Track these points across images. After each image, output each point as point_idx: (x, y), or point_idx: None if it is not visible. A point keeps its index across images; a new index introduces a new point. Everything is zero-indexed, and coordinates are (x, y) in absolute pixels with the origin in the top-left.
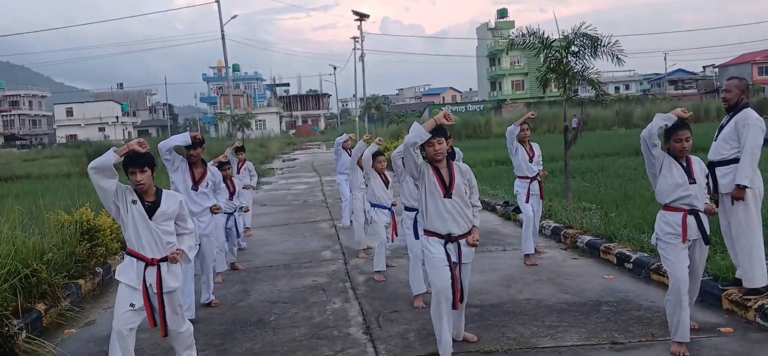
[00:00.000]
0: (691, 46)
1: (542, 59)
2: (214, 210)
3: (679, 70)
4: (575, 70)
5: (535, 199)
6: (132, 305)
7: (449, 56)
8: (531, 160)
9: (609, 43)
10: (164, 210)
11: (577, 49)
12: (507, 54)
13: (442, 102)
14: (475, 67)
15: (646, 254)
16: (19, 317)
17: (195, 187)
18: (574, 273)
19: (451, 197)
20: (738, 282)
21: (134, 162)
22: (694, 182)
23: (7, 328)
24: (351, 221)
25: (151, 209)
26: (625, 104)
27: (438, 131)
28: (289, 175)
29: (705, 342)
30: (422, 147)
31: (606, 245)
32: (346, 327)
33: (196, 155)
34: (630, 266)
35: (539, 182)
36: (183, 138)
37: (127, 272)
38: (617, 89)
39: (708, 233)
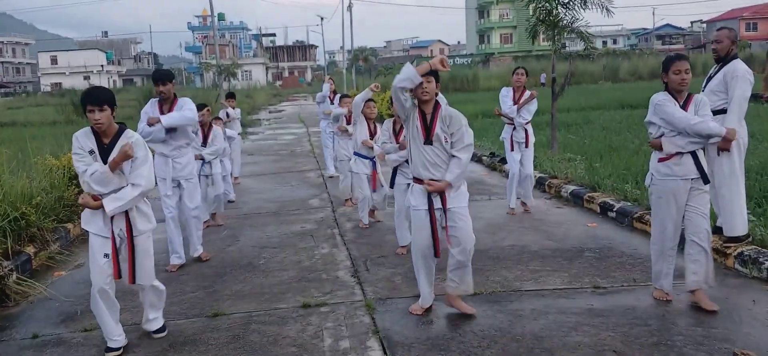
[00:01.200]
0: (679, 1)
1: (532, 10)
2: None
3: (667, 25)
4: (564, 22)
5: (520, 147)
6: (106, 255)
7: (438, 8)
8: (515, 103)
9: None
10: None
11: (567, 0)
12: (496, 4)
13: (429, 55)
14: (464, 20)
15: (629, 203)
16: (9, 259)
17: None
18: (558, 221)
19: (431, 144)
20: (719, 230)
21: (92, 99)
22: None
23: None
24: (336, 167)
25: (107, 152)
26: (612, 59)
27: (429, 72)
28: (277, 126)
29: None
30: (412, 91)
31: (590, 194)
32: (334, 270)
33: (167, 92)
34: (613, 214)
35: (525, 130)
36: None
37: (94, 221)
38: (605, 43)
39: (706, 173)
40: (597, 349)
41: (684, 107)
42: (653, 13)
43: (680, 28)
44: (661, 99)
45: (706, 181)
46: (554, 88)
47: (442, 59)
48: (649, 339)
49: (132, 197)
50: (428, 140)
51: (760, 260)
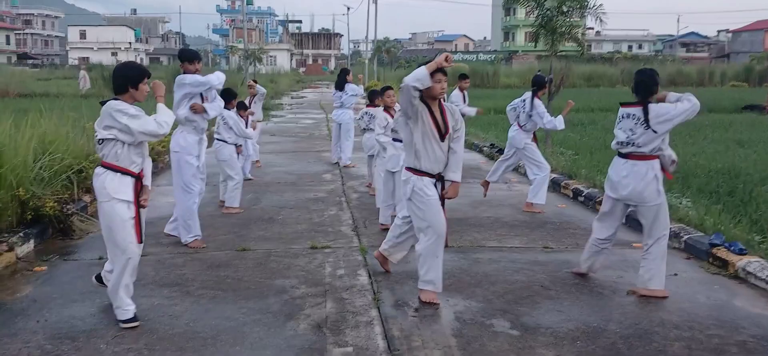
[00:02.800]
0: (707, 10)
1: (534, 16)
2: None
3: (692, 33)
4: (562, 29)
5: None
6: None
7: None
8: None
9: (594, 5)
10: None
11: (566, 9)
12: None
13: (454, 49)
14: (490, 16)
15: (596, 190)
16: (74, 203)
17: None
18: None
19: (444, 141)
20: None
21: (148, 73)
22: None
23: (67, 209)
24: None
25: None
26: (631, 63)
27: (441, 70)
28: (298, 110)
29: (617, 251)
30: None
31: (566, 181)
32: (338, 226)
33: (196, 71)
34: (582, 198)
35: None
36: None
37: (123, 190)
38: (630, 47)
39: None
40: (529, 284)
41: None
42: (678, 20)
43: (705, 37)
44: None
45: None
46: (551, 88)
47: (446, 56)
48: (572, 281)
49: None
50: (442, 137)
51: (681, 234)
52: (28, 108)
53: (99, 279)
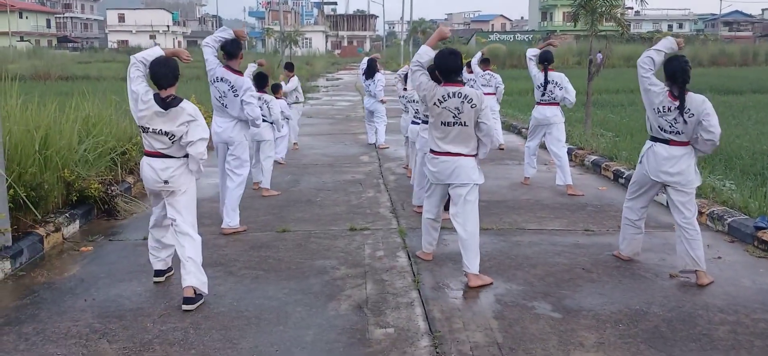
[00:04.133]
0: None
1: None
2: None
3: (736, 11)
4: (602, 9)
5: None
6: None
7: None
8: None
9: None
10: None
11: None
12: None
13: (490, 29)
14: None
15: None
16: (118, 184)
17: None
18: (574, 184)
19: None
20: None
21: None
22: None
23: (111, 191)
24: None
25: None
26: None
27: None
28: (334, 93)
29: (659, 234)
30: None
31: (607, 163)
32: (376, 208)
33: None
34: (623, 181)
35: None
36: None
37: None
38: (671, 27)
39: None
40: (570, 267)
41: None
42: None
43: (749, 15)
44: None
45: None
46: (590, 69)
47: (441, 30)
48: (614, 263)
49: None
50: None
51: (724, 217)
52: (70, 91)
53: (158, 273)
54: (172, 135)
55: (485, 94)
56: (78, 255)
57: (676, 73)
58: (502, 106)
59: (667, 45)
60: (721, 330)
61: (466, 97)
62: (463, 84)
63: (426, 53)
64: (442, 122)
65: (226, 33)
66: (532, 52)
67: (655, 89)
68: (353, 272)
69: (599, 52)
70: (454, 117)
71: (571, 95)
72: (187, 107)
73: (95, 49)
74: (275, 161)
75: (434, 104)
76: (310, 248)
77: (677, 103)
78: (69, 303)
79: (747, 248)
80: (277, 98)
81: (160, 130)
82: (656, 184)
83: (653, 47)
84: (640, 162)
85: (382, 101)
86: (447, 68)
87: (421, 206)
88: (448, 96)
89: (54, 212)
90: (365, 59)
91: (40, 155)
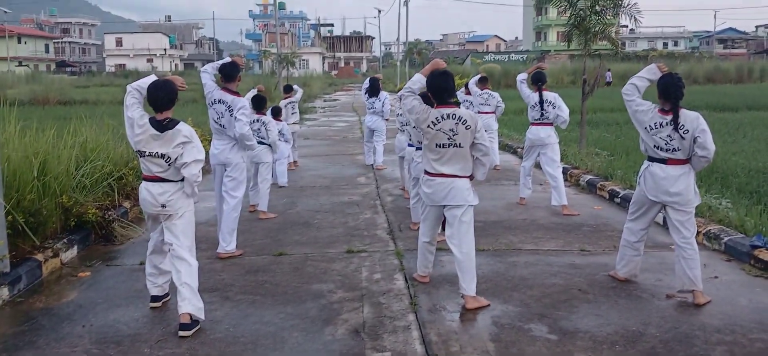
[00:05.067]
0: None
1: (567, 16)
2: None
3: (730, 28)
4: (596, 29)
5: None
6: None
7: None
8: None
9: (628, 4)
10: None
11: (600, 9)
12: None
13: (485, 50)
14: (522, 16)
15: (633, 191)
16: (115, 209)
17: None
18: (570, 204)
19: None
20: None
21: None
22: None
23: (108, 216)
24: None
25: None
26: (667, 61)
27: None
28: (331, 113)
29: (656, 254)
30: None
31: (602, 183)
32: (374, 229)
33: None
34: (618, 200)
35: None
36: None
37: None
38: (666, 44)
39: None
40: (566, 287)
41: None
42: (714, 16)
43: (743, 32)
44: None
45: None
46: (584, 88)
47: (436, 62)
48: (610, 284)
49: None
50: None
51: (721, 236)
52: (68, 115)
53: (154, 299)
54: (168, 157)
55: (484, 113)
56: (76, 281)
57: (668, 88)
58: (498, 125)
59: (649, 72)
60: (718, 350)
61: (460, 118)
62: (457, 105)
63: (418, 81)
64: (436, 144)
65: (224, 60)
66: (522, 77)
67: (643, 109)
68: (350, 295)
69: (608, 70)
70: (448, 139)
71: (564, 113)
72: (183, 129)
73: (93, 73)
74: (278, 186)
75: (428, 126)
76: (307, 271)
77: (669, 117)
78: (67, 330)
79: (743, 267)
80: (277, 120)
81: (157, 153)
82: (656, 204)
83: (636, 75)
84: (639, 183)
85: (387, 119)
86: (439, 89)
87: (417, 224)
88: (443, 118)
89: (52, 237)
90: (368, 79)
91: (39, 181)
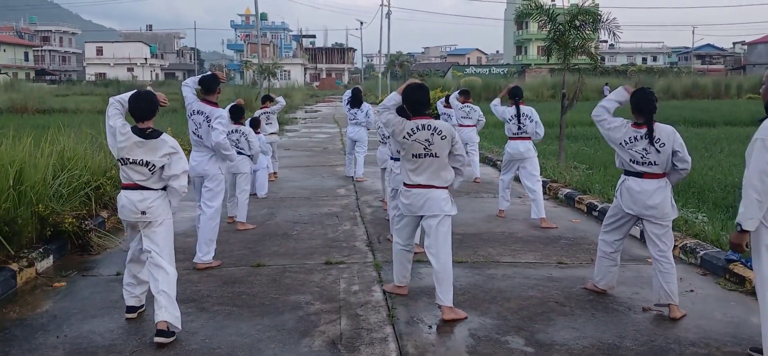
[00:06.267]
0: (722, 22)
1: (547, 31)
2: None
3: (708, 45)
4: (575, 44)
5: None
6: None
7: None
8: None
9: (607, 19)
10: None
11: (579, 24)
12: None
13: (466, 63)
14: (503, 30)
15: (610, 205)
16: (92, 219)
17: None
18: (548, 216)
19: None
20: None
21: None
22: None
23: (85, 225)
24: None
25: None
26: (646, 76)
27: None
28: (312, 125)
29: (632, 267)
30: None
31: (580, 196)
32: (353, 241)
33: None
34: (596, 213)
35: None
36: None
37: None
38: (644, 60)
39: None
40: (543, 300)
41: None
42: (693, 32)
43: (720, 49)
44: None
45: None
46: (563, 102)
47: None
48: (587, 296)
49: None
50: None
51: (697, 250)
52: (46, 124)
53: (130, 310)
54: (153, 166)
55: (465, 126)
56: (51, 291)
57: (641, 103)
58: (479, 138)
59: (618, 95)
60: None
61: (435, 129)
62: (433, 117)
63: (394, 98)
64: (413, 154)
65: (205, 74)
66: (496, 102)
67: (615, 125)
68: (328, 307)
69: (606, 84)
70: (424, 149)
71: (541, 129)
72: (168, 140)
73: (73, 81)
74: (258, 197)
75: (404, 137)
76: (285, 283)
77: (644, 131)
78: (40, 340)
79: (719, 281)
80: (256, 132)
81: (141, 160)
82: (632, 217)
83: (605, 98)
84: (616, 197)
85: (368, 129)
86: (414, 101)
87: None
88: (418, 129)
89: (27, 247)
90: (349, 90)
91: (15, 190)
